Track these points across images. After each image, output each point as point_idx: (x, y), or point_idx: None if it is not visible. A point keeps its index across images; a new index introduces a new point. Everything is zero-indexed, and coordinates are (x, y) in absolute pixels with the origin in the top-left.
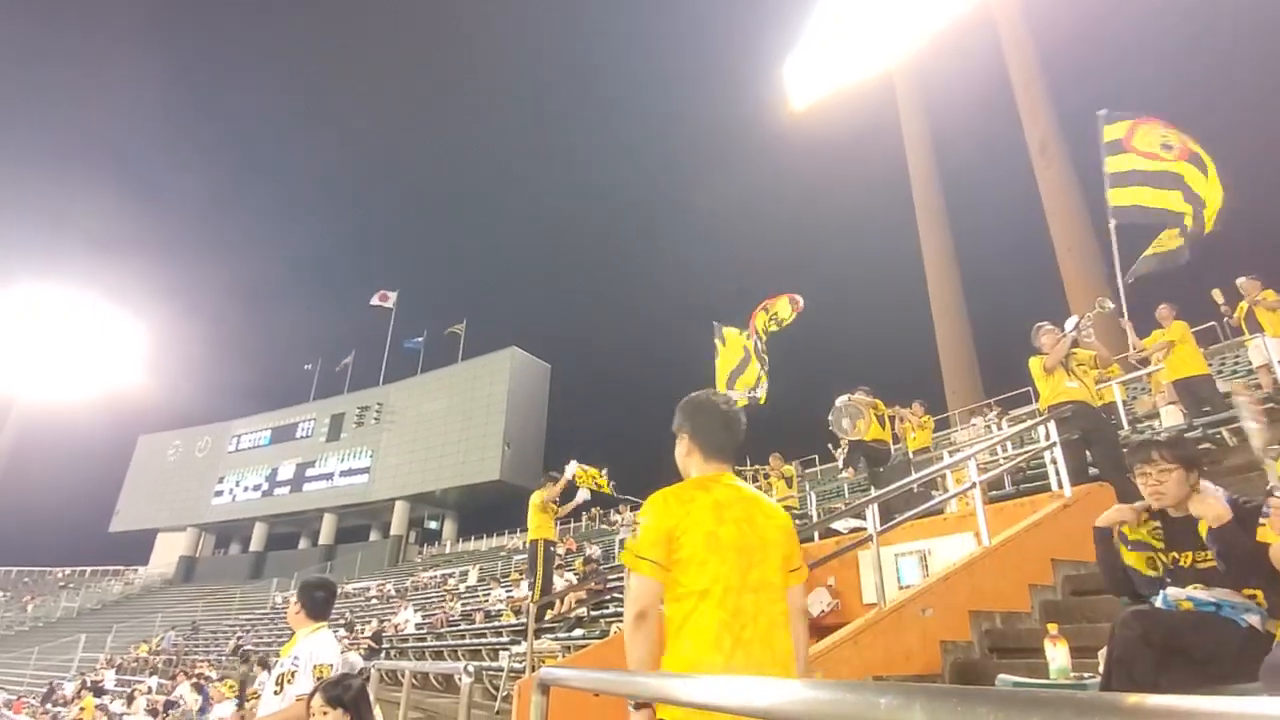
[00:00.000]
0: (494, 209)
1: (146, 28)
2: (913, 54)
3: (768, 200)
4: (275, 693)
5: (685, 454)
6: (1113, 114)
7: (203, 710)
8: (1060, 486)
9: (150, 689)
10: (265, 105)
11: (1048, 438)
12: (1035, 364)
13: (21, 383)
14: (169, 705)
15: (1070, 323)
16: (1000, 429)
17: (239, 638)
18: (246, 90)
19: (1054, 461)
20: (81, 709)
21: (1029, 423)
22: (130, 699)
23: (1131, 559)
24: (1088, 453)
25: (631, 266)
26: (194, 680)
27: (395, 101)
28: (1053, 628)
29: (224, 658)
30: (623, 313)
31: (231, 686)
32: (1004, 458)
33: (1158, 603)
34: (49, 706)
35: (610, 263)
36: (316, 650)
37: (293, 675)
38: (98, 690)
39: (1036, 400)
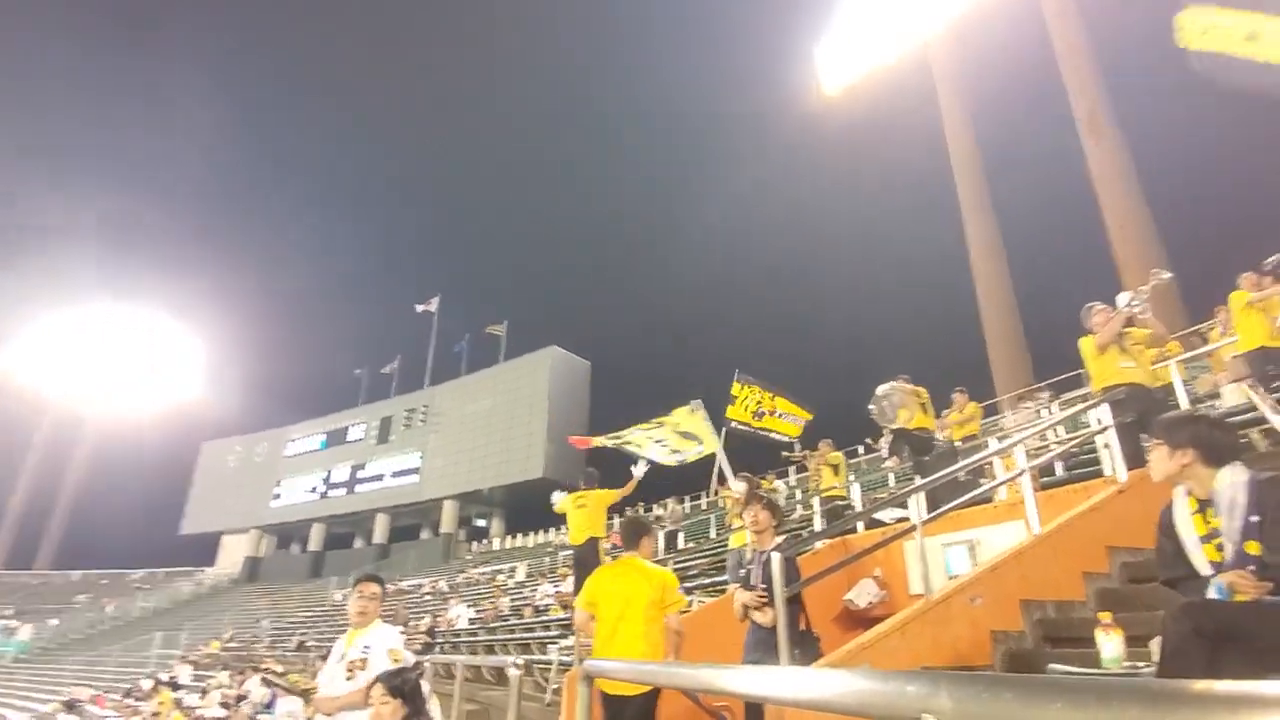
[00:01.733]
0: (531, 210)
1: (198, 52)
2: (949, 28)
3: (804, 188)
4: (347, 678)
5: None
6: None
7: (270, 704)
8: (1114, 471)
9: (222, 683)
10: (313, 123)
11: (1100, 421)
12: (1086, 344)
13: (94, 398)
14: (239, 699)
15: (1123, 298)
16: (1052, 414)
17: (302, 634)
18: (295, 107)
19: (1107, 446)
20: (159, 703)
21: (1079, 406)
22: (204, 693)
23: (1208, 551)
24: (1144, 435)
25: (667, 261)
26: (261, 675)
27: (433, 110)
28: (1105, 616)
29: (288, 654)
30: (659, 308)
31: (298, 680)
32: (1055, 443)
33: (1211, 593)
34: (130, 701)
35: (646, 258)
36: (389, 639)
37: (364, 662)
38: (174, 685)
39: (1089, 383)
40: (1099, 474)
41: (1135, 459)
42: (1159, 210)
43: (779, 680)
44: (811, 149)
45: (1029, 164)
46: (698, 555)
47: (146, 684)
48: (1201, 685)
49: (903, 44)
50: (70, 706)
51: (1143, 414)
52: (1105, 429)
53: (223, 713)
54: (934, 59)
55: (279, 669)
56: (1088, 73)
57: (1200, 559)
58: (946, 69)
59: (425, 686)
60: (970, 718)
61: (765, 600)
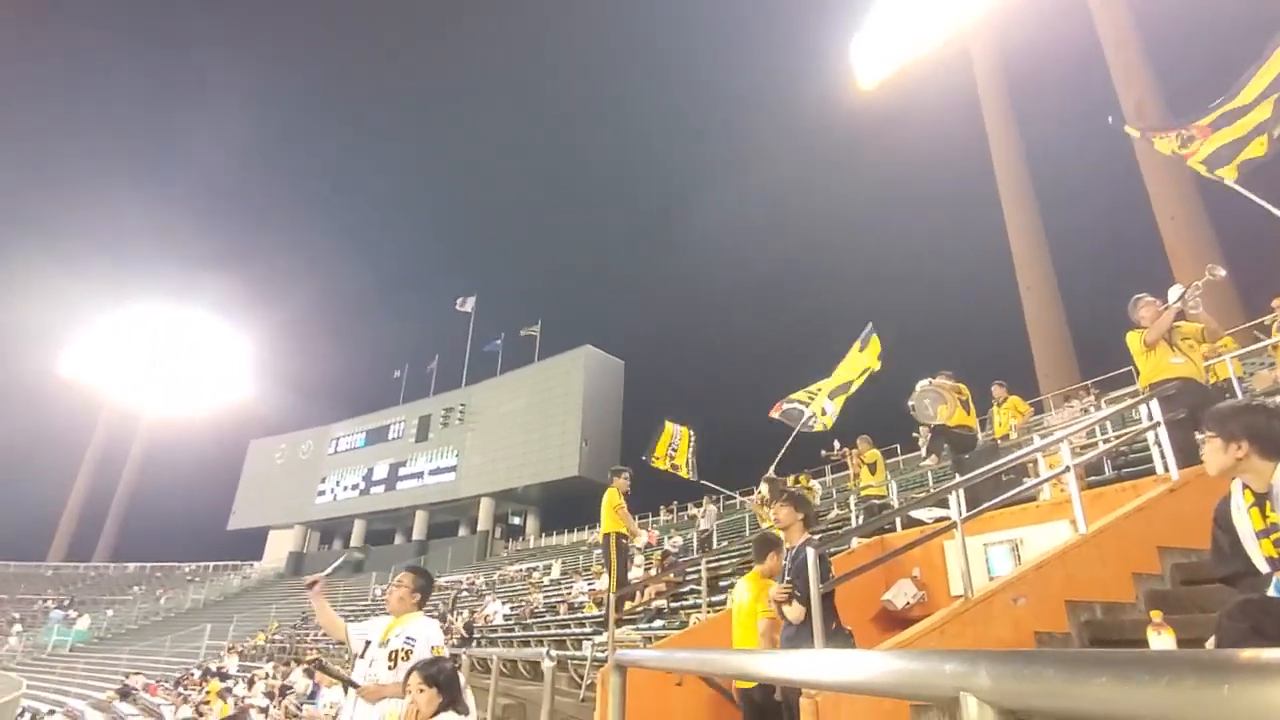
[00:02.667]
0: (565, 209)
1: (240, 59)
2: (989, 17)
3: (839, 184)
4: (389, 668)
5: None
6: (1146, 133)
7: (313, 694)
8: (1166, 470)
9: (267, 674)
10: (353, 128)
11: (1150, 418)
12: (1134, 338)
13: (149, 397)
14: (284, 690)
15: (1174, 292)
16: (1101, 409)
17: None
18: (337, 114)
19: (1158, 443)
20: (208, 692)
21: (1128, 402)
22: (251, 683)
23: (1265, 547)
24: (1196, 433)
25: (701, 260)
26: (305, 667)
27: (470, 112)
28: (1156, 615)
29: (332, 646)
30: (693, 306)
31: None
32: (1102, 440)
33: (1271, 591)
34: (180, 690)
35: (679, 257)
36: (432, 634)
37: (407, 654)
38: (222, 675)
39: (1138, 379)
40: (1150, 473)
41: (1187, 456)
42: (1211, 199)
43: (815, 663)
44: (847, 144)
45: (1073, 154)
46: (728, 555)
47: (196, 673)
48: (1260, 654)
49: (941, 34)
50: (125, 694)
51: (1195, 410)
52: (1155, 425)
53: (267, 702)
54: (974, 49)
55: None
56: (1136, 60)
57: (1257, 554)
58: (986, 59)
59: (461, 678)
60: (1010, 695)
61: (790, 594)
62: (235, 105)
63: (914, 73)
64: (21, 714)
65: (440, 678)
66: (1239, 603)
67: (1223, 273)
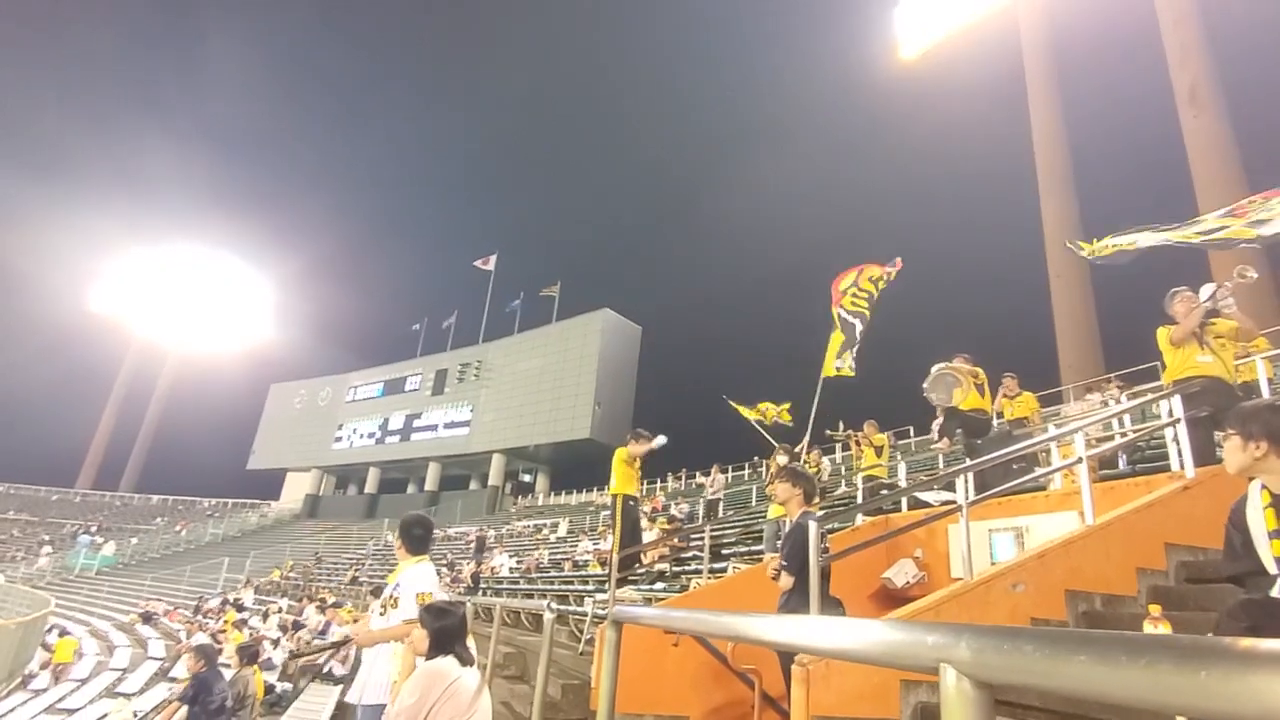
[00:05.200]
0: (592, 173)
1: (249, 15)
2: None
3: (872, 156)
4: (379, 614)
5: None
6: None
7: (324, 631)
8: (1181, 467)
9: (281, 609)
10: (381, 81)
11: (1171, 414)
12: (1164, 334)
13: (176, 335)
14: (296, 625)
15: (1206, 291)
16: (1120, 404)
17: (356, 570)
18: (364, 69)
19: (1176, 440)
20: (225, 620)
21: (1149, 397)
22: (265, 616)
23: (1276, 548)
24: (1217, 433)
25: (725, 229)
26: (317, 604)
27: (498, 68)
28: (1155, 609)
29: (343, 586)
30: (714, 276)
31: (350, 611)
32: (1119, 434)
33: (1275, 592)
34: (198, 618)
35: (703, 226)
36: (417, 579)
37: (395, 601)
38: (238, 606)
39: (1163, 375)
40: (1165, 470)
41: (1205, 455)
42: (1260, 192)
43: (803, 629)
44: (883, 121)
45: (1118, 137)
46: (732, 525)
47: (214, 603)
48: (1239, 643)
49: (989, 2)
50: (147, 618)
51: (1218, 409)
52: (1175, 422)
53: (280, 635)
54: (1022, 20)
55: (330, 600)
56: (1193, 42)
57: (1268, 555)
58: (1034, 33)
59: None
60: (989, 669)
61: (780, 568)
62: (263, 51)
63: (958, 43)
64: (50, 630)
65: (432, 625)
66: (1241, 601)
67: (1254, 275)
